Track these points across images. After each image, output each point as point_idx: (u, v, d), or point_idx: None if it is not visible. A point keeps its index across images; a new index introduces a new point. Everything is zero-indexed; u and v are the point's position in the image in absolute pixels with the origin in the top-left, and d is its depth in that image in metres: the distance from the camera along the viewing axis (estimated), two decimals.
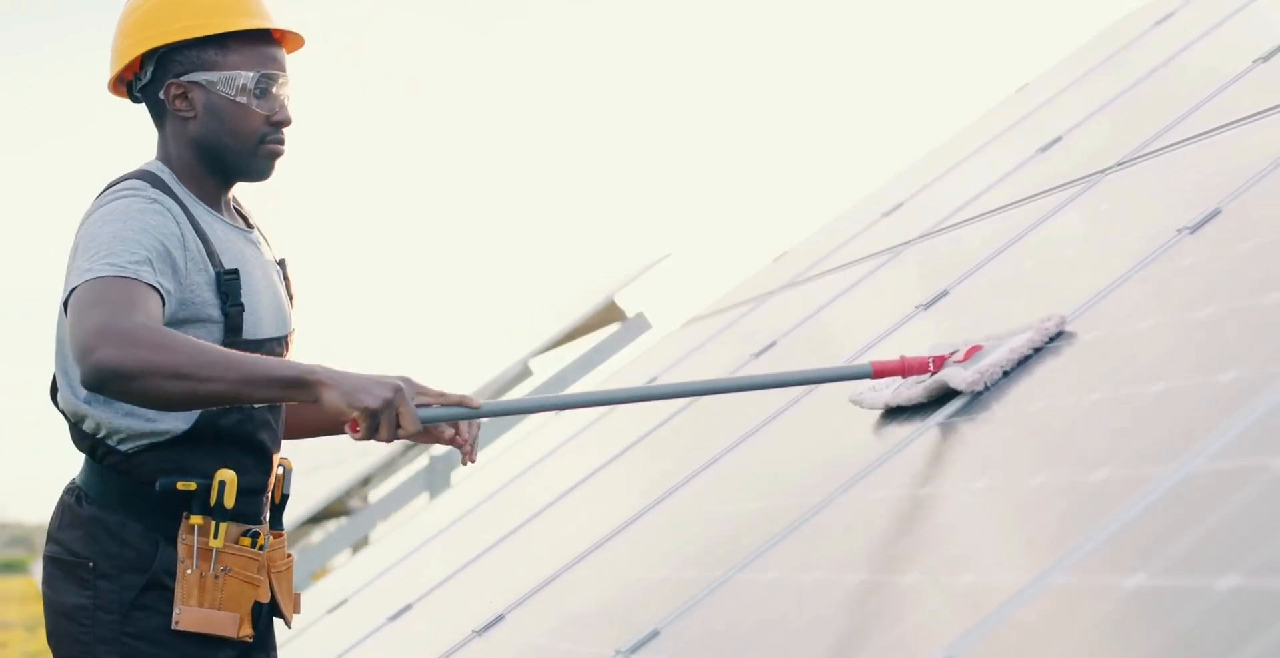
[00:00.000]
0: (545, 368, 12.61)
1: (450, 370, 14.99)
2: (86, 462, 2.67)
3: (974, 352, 2.65)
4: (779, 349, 4.28)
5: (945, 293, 3.52)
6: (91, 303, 2.41)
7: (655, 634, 2.49)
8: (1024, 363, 2.56)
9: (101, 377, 2.35)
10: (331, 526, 13.84)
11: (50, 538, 2.68)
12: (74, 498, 2.66)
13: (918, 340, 3.38)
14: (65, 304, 2.50)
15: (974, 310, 3.28)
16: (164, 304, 2.50)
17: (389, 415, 2.36)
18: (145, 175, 2.65)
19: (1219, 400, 1.92)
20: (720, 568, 2.59)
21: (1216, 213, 2.72)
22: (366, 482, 12.42)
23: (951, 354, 2.69)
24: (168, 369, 2.34)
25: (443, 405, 2.43)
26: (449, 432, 2.81)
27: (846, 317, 4.14)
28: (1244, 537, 1.57)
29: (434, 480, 11.00)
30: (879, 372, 2.68)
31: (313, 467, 13.13)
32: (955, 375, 2.58)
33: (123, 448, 2.61)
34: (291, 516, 12.17)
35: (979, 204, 4.35)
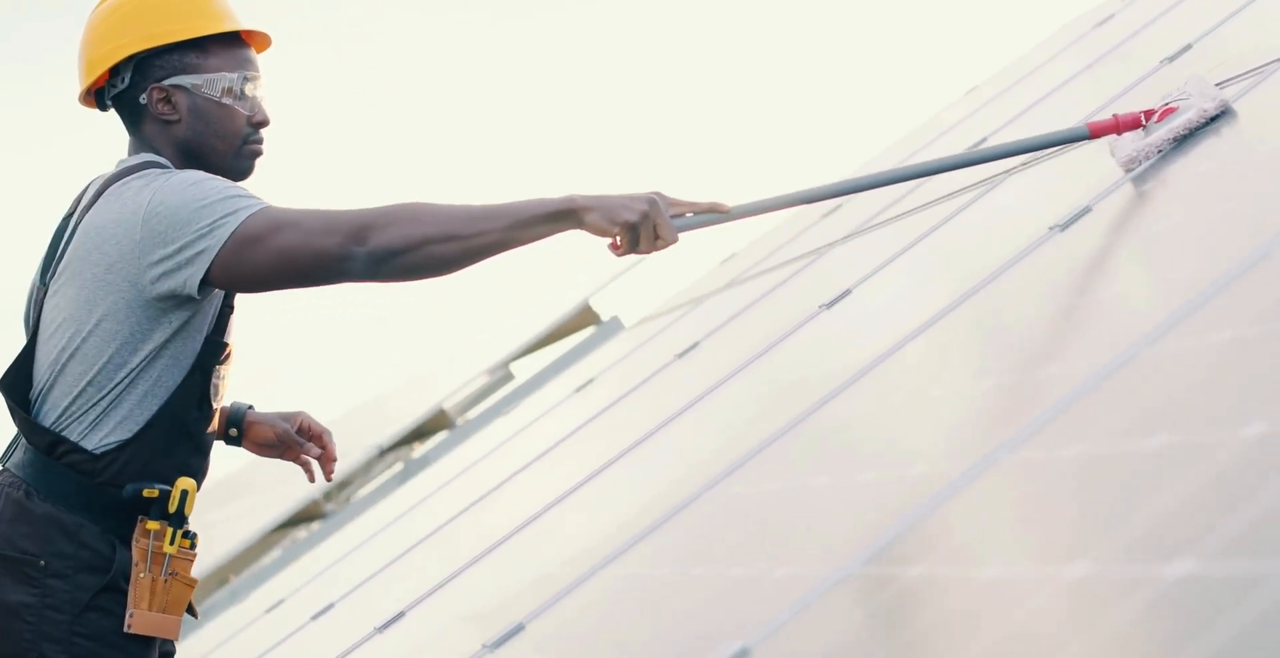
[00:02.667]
0: (524, 370, 12.67)
1: (431, 373, 15.02)
2: (37, 457, 2.60)
3: (1168, 114, 2.74)
4: (700, 350, 4.30)
5: (847, 292, 3.55)
6: (294, 221, 2.46)
7: (520, 629, 2.51)
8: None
9: (382, 258, 2.44)
10: (315, 526, 13.87)
11: None
12: (22, 493, 2.58)
13: (821, 340, 3.41)
14: (213, 261, 2.47)
15: (866, 309, 3.31)
16: None
17: (648, 228, 2.45)
18: (155, 164, 2.61)
19: (1035, 395, 1.95)
20: (587, 564, 2.62)
21: (1087, 211, 2.75)
22: (346, 484, 12.45)
23: (1164, 103, 2.77)
24: (439, 235, 2.44)
25: (695, 214, 2.52)
26: (314, 449, 2.84)
27: (763, 318, 4.17)
28: (1014, 529, 1.60)
29: (406, 481, 11.03)
30: (1096, 131, 2.75)
31: (293, 472, 13.16)
32: (1124, 148, 2.71)
33: (88, 446, 2.57)
34: (271, 517, 12.21)
35: (901, 205, 4.38)
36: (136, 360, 2.55)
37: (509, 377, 13.08)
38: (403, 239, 2.43)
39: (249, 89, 2.65)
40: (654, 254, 2.52)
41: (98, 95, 2.70)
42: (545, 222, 2.45)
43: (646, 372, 4.57)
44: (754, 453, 2.63)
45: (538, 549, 3.19)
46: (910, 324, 2.81)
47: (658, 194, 2.47)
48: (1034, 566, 1.46)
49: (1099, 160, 3.15)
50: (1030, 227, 2.95)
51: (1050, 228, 2.77)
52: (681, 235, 2.52)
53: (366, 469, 12.38)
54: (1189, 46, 3.73)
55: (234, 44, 2.67)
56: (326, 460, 2.87)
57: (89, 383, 2.56)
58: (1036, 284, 2.58)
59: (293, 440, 2.84)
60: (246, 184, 2.70)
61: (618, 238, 2.46)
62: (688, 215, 2.51)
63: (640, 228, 2.44)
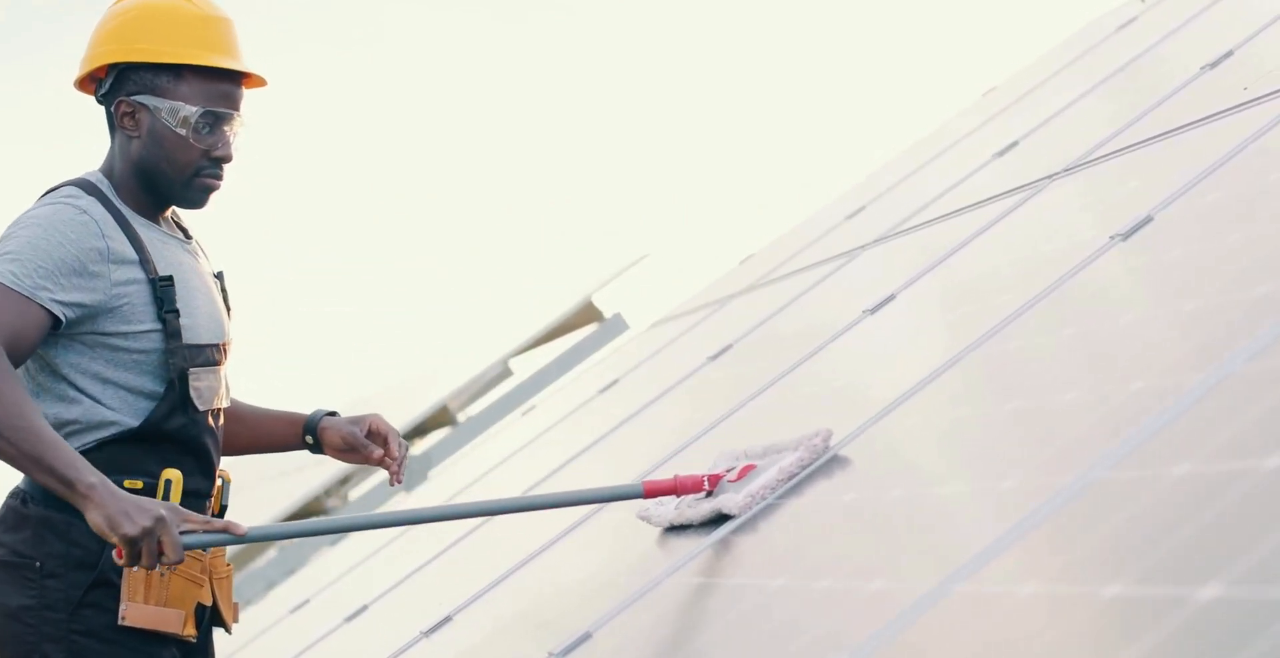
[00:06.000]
0: (524, 368, 12.65)
1: (432, 370, 15.00)
2: None
3: (747, 471, 2.65)
4: (733, 353, 4.30)
5: (891, 297, 3.54)
6: None
7: (587, 637, 2.51)
8: (794, 480, 2.56)
9: None
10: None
11: None
12: (19, 500, 2.67)
13: (870, 346, 3.41)
14: None
15: (913, 316, 3.31)
16: (60, 322, 2.56)
17: (150, 543, 2.40)
18: (83, 184, 2.69)
19: (1123, 411, 1.95)
20: (651, 571, 2.62)
21: (1148, 220, 2.75)
22: (345, 481, 12.43)
23: (727, 471, 2.69)
24: None
25: (206, 532, 2.47)
26: (378, 452, 2.84)
27: (799, 321, 4.17)
28: (1131, 546, 1.60)
29: (412, 480, 11.01)
30: (650, 492, 2.70)
31: (294, 467, 13.15)
32: (727, 501, 2.58)
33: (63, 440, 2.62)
34: (271, 515, 12.19)
35: (934, 208, 4.38)
36: (65, 371, 2.63)
37: (507, 373, 13.06)
38: None
39: (216, 125, 2.69)
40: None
41: (99, 86, 2.76)
42: (55, 481, 2.41)
43: (677, 374, 4.57)
44: (819, 463, 2.62)
45: (588, 555, 3.19)
46: (970, 333, 2.81)
47: (170, 509, 2.43)
48: (1162, 586, 1.46)
49: (1151, 160, 3.15)
50: (1085, 235, 2.95)
51: (1111, 237, 2.77)
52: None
53: (367, 465, 12.34)
54: (1230, 53, 3.73)
55: (213, 77, 2.71)
56: (389, 466, 2.88)
57: (46, 392, 2.63)
58: (1102, 294, 2.58)
59: (360, 443, 2.86)
60: (200, 214, 2.79)
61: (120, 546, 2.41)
62: (199, 533, 2.46)
63: (141, 543, 2.39)
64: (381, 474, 12.35)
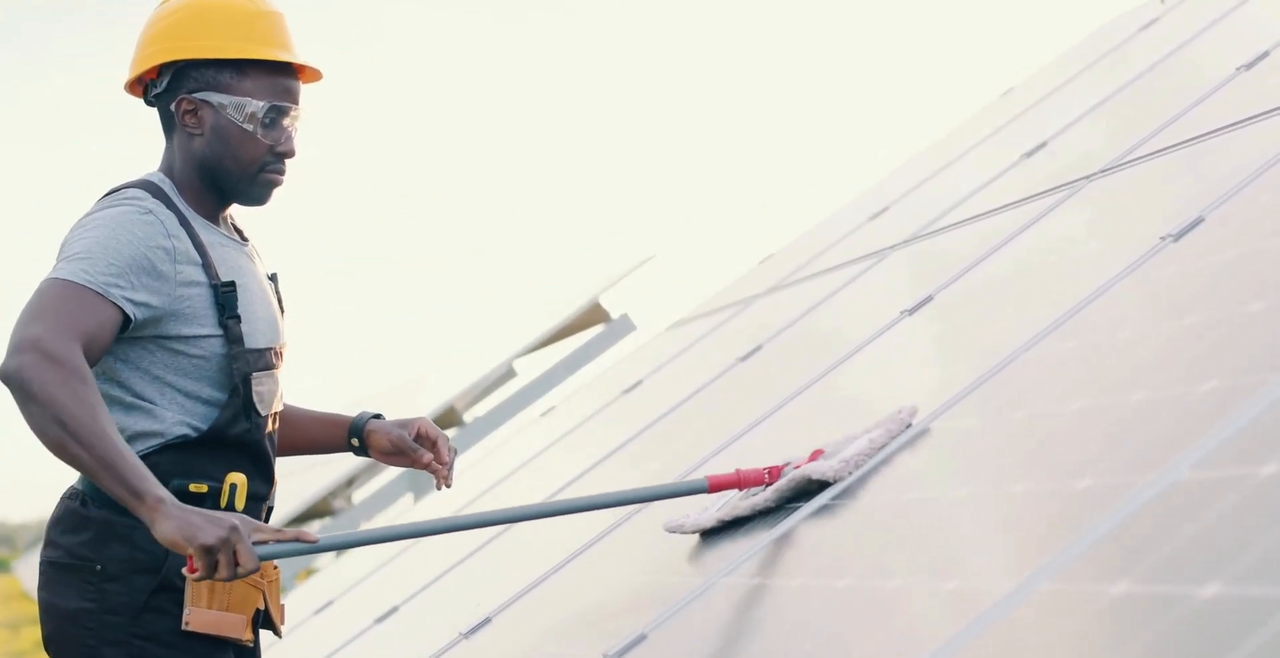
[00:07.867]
0: (530, 369, 12.63)
1: (435, 370, 15.00)
2: None
3: (817, 455, 2.64)
4: (765, 353, 4.29)
5: (929, 298, 3.54)
6: (47, 306, 2.47)
7: (643, 638, 2.50)
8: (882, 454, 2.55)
9: (6, 379, 2.42)
10: (316, 526, 13.83)
11: (50, 542, 2.68)
12: (78, 502, 2.66)
13: (914, 347, 3.40)
14: None
15: (956, 316, 3.30)
16: (130, 321, 2.55)
17: (226, 553, 2.40)
18: (146, 185, 2.68)
19: (1198, 410, 1.94)
20: (704, 573, 2.61)
21: (1199, 221, 2.75)
22: (351, 483, 12.42)
23: (786, 464, 2.67)
24: (58, 412, 2.39)
25: (279, 541, 2.47)
26: (426, 456, 2.83)
27: (833, 321, 4.16)
28: (1226, 545, 1.59)
29: (417, 481, 11.00)
30: (715, 486, 2.68)
31: (300, 468, 13.13)
32: (818, 467, 2.54)
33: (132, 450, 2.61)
34: (277, 517, 12.17)
35: (965, 208, 4.37)
36: (122, 375, 2.62)
37: (512, 374, 13.05)
38: (37, 386, 2.39)
39: (279, 120, 2.69)
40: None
41: (146, 90, 2.76)
42: (124, 490, 2.39)
43: (705, 375, 4.56)
44: (876, 463, 2.61)
45: (631, 555, 3.18)
46: (1019, 333, 2.80)
47: (241, 519, 2.43)
48: (1263, 586, 1.45)
49: (1195, 161, 3.15)
50: (1134, 236, 2.94)
51: (1161, 238, 2.77)
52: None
53: (372, 466, 12.33)
54: (1266, 54, 3.73)
55: (275, 72, 2.71)
56: (439, 469, 2.87)
57: (108, 396, 2.62)
58: (1159, 295, 2.57)
59: (408, 447, 2.85)
60: (260, 211, 2.78)
61: (193, 559, 2.40)
62: (271, 543, 2.46)
63: (219, 552, 2.39)
64: (388, 474, 12.34)
